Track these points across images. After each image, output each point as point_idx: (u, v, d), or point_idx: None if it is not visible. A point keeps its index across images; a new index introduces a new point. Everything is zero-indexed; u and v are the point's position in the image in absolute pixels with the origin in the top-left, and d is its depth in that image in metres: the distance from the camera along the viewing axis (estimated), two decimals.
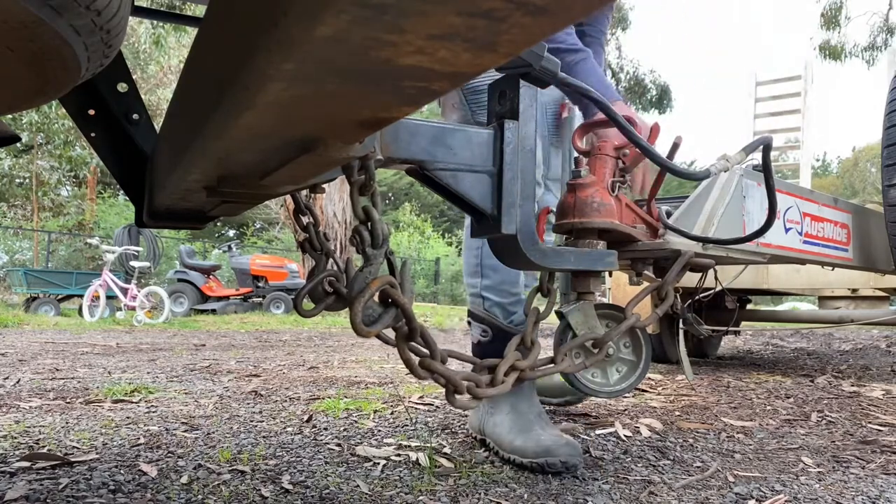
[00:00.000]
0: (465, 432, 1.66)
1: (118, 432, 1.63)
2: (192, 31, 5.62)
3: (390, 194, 25.07)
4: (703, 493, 1.20)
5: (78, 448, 1.47)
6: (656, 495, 1.19)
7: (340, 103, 0.49)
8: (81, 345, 4.33)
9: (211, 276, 10.18)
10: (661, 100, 16.12)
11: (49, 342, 4.49)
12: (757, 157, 1.35)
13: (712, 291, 2.67)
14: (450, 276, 18.89)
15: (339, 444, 1.53)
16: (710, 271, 1.57)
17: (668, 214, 1.37)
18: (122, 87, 1.13)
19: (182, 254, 10.27)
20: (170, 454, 1.42)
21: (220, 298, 9.86)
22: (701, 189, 1.56)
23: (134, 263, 8.08)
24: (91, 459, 1.36)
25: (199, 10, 1.87)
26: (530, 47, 0.40)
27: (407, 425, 1.75)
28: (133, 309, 7.53)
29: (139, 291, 7.63)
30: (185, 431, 1.65)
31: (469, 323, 1.61)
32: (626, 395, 2.18)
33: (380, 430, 1.68)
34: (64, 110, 1.98)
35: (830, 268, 2.37)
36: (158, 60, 12.64)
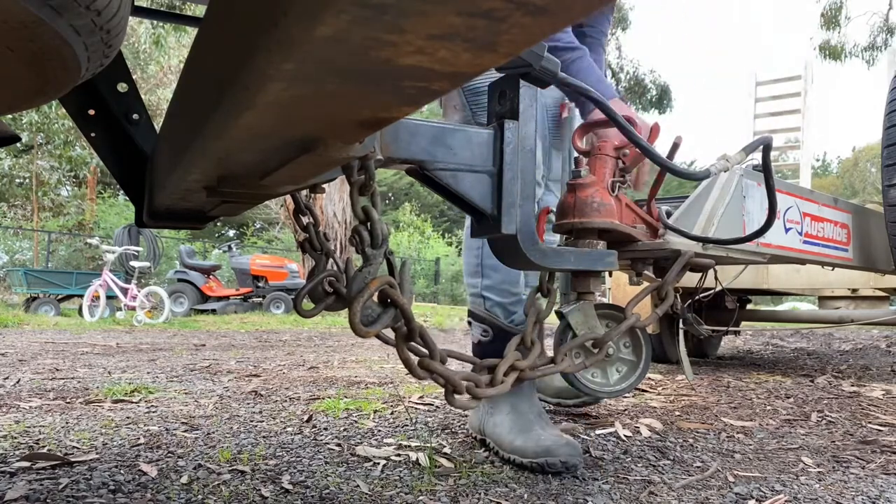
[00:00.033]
0: (465, 432, 1.66)
1: (118, 432, 1.63)
2: (192, 31, 5.63)
3: (390, 194, 25.07)
4: (703, 493, 1.20)
5: (78, 448, 1.47)
6: (656, 495, 1.19)
7: (340, 103, 0.49)
8: (81, 345, 4.34)
9: (211, 276, 10.18)
10: (661, 100, 16.12)
11: (49, 342, 4.49)
12: (757, 157, 1.35)
13: (712, 291, 2.67)
14: (450, 276, 18.89)
15: (339, 444, 1.53)
16: (710, 271, 1.57)
17: (668, 214, 1.37)
18: (122, 87, 1.13)
19: (182, 254, 10.27)
20: (170, 454, 1.42)
21: (220, 298, 9.86)
22: (701, 189, 1.56)
23: (134, 263, 8.08)
24: (91, 459, 1.36)
25: (199, 10, 1.87)
26: (530, 47, 0.40)
27: (407, 425, 1.75)
28: (133, 309, 7.53)
29: (139, 291, 7.63)
30: (185, 431, 1.65)
31: (469, 323, 1.61)
32: (626, 395, 2.18)
33: (380, 430, 1.68)
34: (64, 110, 1.98)
35: (830, 268, 2.37)
36: (158, 60, 12.64)
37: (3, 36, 0.60)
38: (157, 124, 1.05)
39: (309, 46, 0.36)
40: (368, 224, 0.78)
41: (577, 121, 1.61)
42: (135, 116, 1.15)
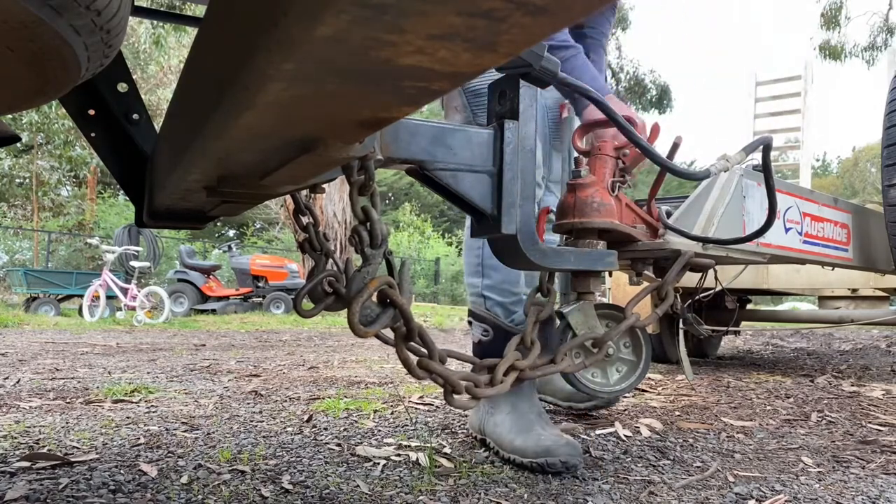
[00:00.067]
0: (465, 432, 1.66)
1: (118, 432, 1.63)
2: (192, 31, 5.63)
3: (390, 194, 25.07)
4: (703, 493, 1.20)
5: (78, 448, 1.47)
6: (656, 495, 1.19)
7: (340, 103, 0.49)
8: (81, 345, 4.34)
9: (211, 276, 10.18)
10: (661, 100, 16.12)
11: (49, 342, 4.49)
12: (757, 157, 1.36)
13: (712, 291, 2.67)
14: (450, 276, 18.89)
15: (339, 444, 1.53)
16: (710, 271, 1.57)
17: (668, 214, 1.37)
18: (122, 87, 1.13)
19: (182, 254, 10.27)
20: (170, 454, 1.42)
21: (220, 298, 9.87)
22: (701, 189, 1.56)
23: (134, 263, 8.08)
24: (91, 459, 1.36)
25: (199, 10, 1.87)
26: (530, 47, 0.41)
27: (407, 425, 1.75)
28: (133, 309, 7.53)
29: (139, 291, 7.63)
30: (185, 431, 1.65)
31: (470, 323, 1.61)
32: (626, 395, 2.18)
33: (380, 430, 1.68)
34: (64, 110, 1.98)
35: (830, 268, 2.37)
36: (158, 60, 12.64)
37: (3, 36, 0.60)
38: (157, 124, 1.05)
39: (309, 46, 0.36)
40: (368, 224, 0.78)
41: (577, 121, 1.61)
42: (135, 116, 1.15)
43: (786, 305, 10.70)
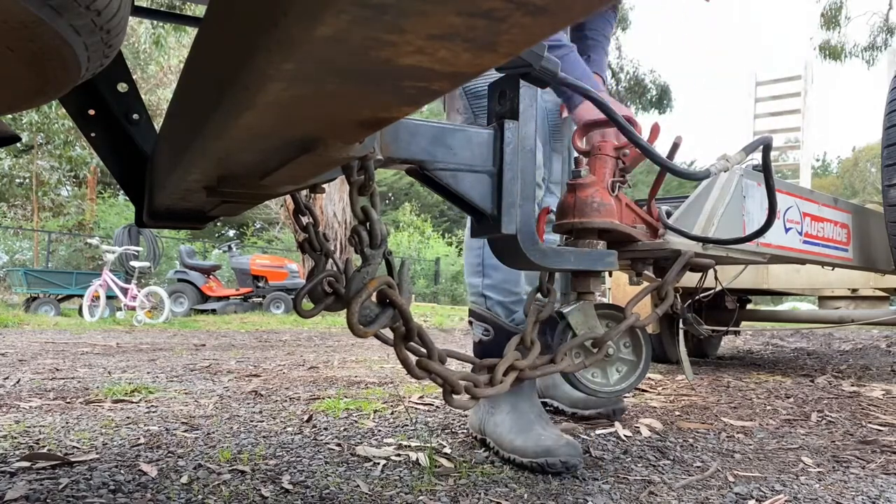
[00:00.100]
0: (465, 432, 1.66)
1: (118, 432, 1.63)
2: (192, 31, 5.63)
3: (390, 194, 25.07)
4: (703, 493, 1.20)
5: (78, 448, 1.47)
6: (656, 495, 1.19)
7: (340, 103, 0.49)
8: (81, 345, 4.34)
9: (211, 276, 10.18)
10: (661, 100, 16.11)
11: (49, 342, 4.49)
12: (757, 157, 1.35)
13: (712, 291, 2.67)
14: (450, 276, 18.89)
15: (339, 444, 1.53)
16: (710, 271, 1.57)
17: (668, 214, 1.37)
18: (122, 87, 1.13)
19: (182, 254, 10.27)
20: (170, 454, 1.42)
21: (220, 298, 9.87)
22: (701, 189, 1.56)
23: (134, 263, 8.09)
24: (91, 459, 1.36)
25: (199, 10, 1.87)
26: (530, 47, 0.41)
27: (407, 425, 1.75)
28: (133, 309, 7.54)
29: (139, 291, 7.63)
30: (185, 431, 1.65)
31: (470, 322, 1.61)
32: (627, 395, 2.18)
33: (380, 430, 1.68)
34: (64, 110, 1.98)
35: (830, 268, 2.37)
36: (158, 60, 12.64)
37: (3, 36, 0.60)
38: (157, 124, 1.05)
39: (309, 46, 0.36)
40: (367, 224, 0.78)
41: None
42: (135, 116, 1.15)
43: (786, 305, 10.70)
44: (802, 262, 2.12)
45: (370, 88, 0.45)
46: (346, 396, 2.21)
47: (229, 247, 10.97)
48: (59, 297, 9.12)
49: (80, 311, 8.10)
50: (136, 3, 1.18)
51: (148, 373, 2.85)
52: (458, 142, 0.93)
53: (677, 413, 2.00)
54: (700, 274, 1.53)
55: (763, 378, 2.86)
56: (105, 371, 2.90)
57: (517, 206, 0.96)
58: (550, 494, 1.18)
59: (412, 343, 0.86)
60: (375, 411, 1.94)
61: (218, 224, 20.72)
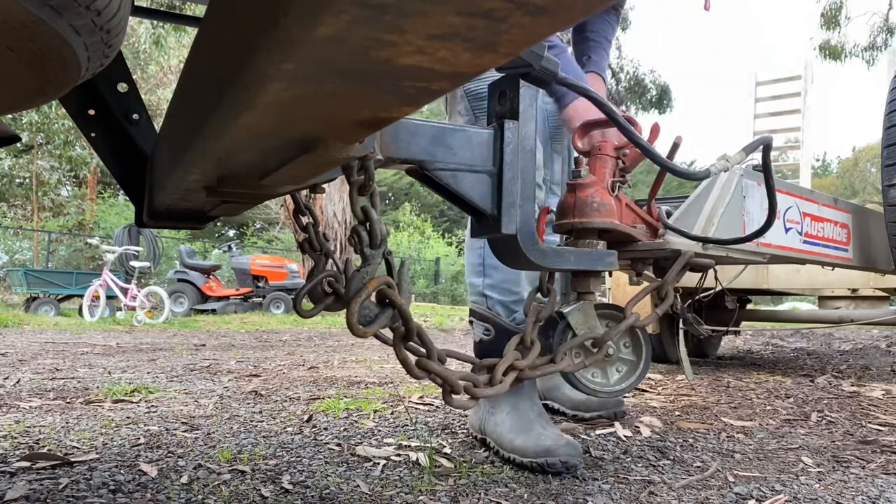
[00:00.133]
0: (466, 432, 1.66)
1: (118, 432, 1.63)
2: (192, 31, 5.63)
3: (390, 194, 25.07)
4: (703, 493, 1.20)
5: (78, 448, 1.47)
6: (656, 495, 1.19)
7: (340, 103, 0.49)
8: (81, 345, 4.34)
9: (211, 276, 10.18)
10: (661, 100, 16.11)
11: (49, 342, 4.49)
12: (757, 157, 1.35)
13: (712, 291, 2.67)
14: (450, 276, 18.89)
15: (339, 444, 1.53)
16: (710, 271, 1.57)
17: (668, 214, 1.37)
18: (122, 87, 1.13)
19: (182, 254, 10.27)
20: (170, 454, 1.42)
21: (220, 298, 9.87)
22: (701, 189, 1.56)
23: (134, 263, 8.09)
24: (91, 459, 1.36)
25: (199, 10, 1.87)
26: (530, 47, 0.41)
27: (407, 425, 1.75)
28: (133, 309, 7.54)
29: (139, 291, 7.63)
30: (185, 431, 1.65)
31: (471, 322, 1.61)
32: (627, 395, 2.18)
33: (380, 430, 1.68)
34: (64, 110, 1.98)
35: (830, 268, 2.37)
36: (158, 60, 12.64)
37: (3, 36, 0.60)
38: (157, 124, 1.05)
39: (309, 46, 0.36)
40: (367, 224, 0.78)
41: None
42: (135, 116, 1.15)
43: (786, 305, 10.70)
44: (802, 262, 2.12)
45: (370, 88, 0.45)
46: (346, 396, 2.21)
47: (229, 247, 10.97)
48: (59, 297, 9.12)
49: (80, 311, 8.10)
50: (136, 3, 1.18)
51: (148, 373, 2.85)
52: (458, 142, 0.93)
53: (677, 413, 2.00)
54: (700, 274, 1.53)
55: (763, 378, 2.86)
56: (105, 371, 2.90)
57: (517, 206, 0.96)
58: (550, 494, 1.18)
59: (412, 343, 0.86)
60: (375, 411, 1.94)
61: (218, 224, 20.73)
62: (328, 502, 1.12)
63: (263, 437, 1.60)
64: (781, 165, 8.95)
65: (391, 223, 21.30)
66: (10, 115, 6.73)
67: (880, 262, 2.41)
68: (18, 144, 4.93)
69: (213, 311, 9.40)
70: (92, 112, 1.12)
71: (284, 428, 1.70)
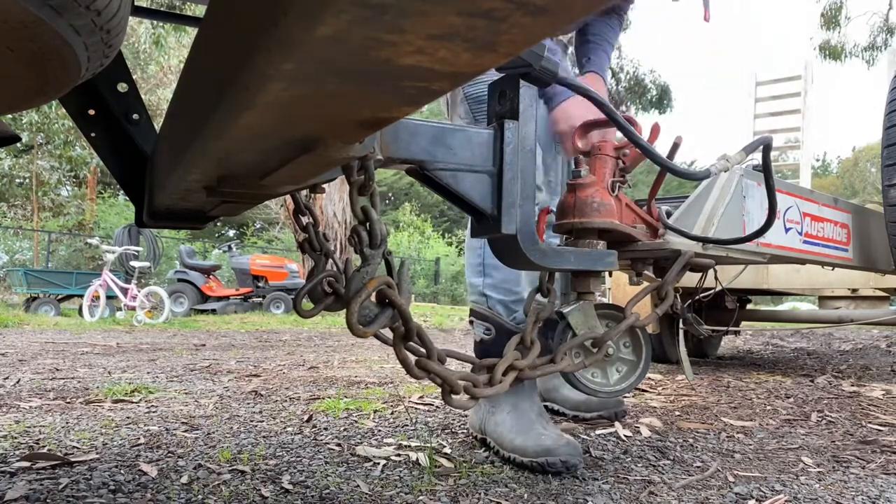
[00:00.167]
0: (466, 432, 1.66)
1: (118, 432, 1.63)
2: (192, 31, 5.63)
3: (390, 194, 25.07)
4: (703, 493, 1.20)
5: (78, 448, 1.47)
6: (656, 495, 1.19)
7: (340, 103, 0.49)
8: (81, 345, 4.34)
9: (211, 276, 10.18)
10: (661, 100, 16.11)
11: (49, 342, 4.49)
12: (757, 157, 1.35)
13: (712, 291, 2.67)
14: (450, 276, 18.89)
15: (339, 444, 1.53)
16: (710, 271, 1.57)
17: (668, 214, 1.37)
18: (122, 87, 1.13)
19: (182, 254, 10.27)
20: (170, 454, 1.42)
21: (220, 298, 9.87)
22: (701, 189, 1.56)
23: (134, 263, 8.09)
24: (91, 459, 1.36)
25: (199, 10, 1.87)
26: (530, 47, 0.41)
27: (407, 425, 1.75)
28: (133, 309, 7.54)
29: (139, 291, 7.63)
30: (185, 431, 1.65)
31: (471, 322, 1.61)
32: (627, 395, 2.18)
33: (380, 430, 1.68)
34: (64, 110, 1.98)
35: (830, 268, 2.37)
36: (158, 60, 12.64)
37: (3, 36, 0.60)
38: (157, 124, 1.05)
39: (309, 46, 0.36)
40: (367, 224, 0.78)
41: None
42: (135, 116, 1.15)
43: (786, 305, 10.70)
44: (802, 262, 2.12)
45: (370, 88, 0.45)
46: (346, 396, 2.21)
47: (229, 247, 10.97)
48: (59, 297, 9.13)
49: (80, 311, 8.10)
50: (136, 3, 1.18)
51: (148, 373, 2.85)
52: (458, 142, 0.93)
53: (677, 413, 2.00)
54: (700, 274, 1.53)
55: (763, 378, 2.86)
56: (105, 371, 2.90)
57: (517, 206, 0.96)
58: (550, 494, 1.18)
59: (411, 343, 0.86)
60: (375, 411, 1.94)
61: (218, 224, 20.73)
62: (328, 502, 1.12)
63: (263, 437, 1.60)
64: (781, 165, 8.96)
65: (391, 223, 21.30)
66: (10, 115, 6.73)
67: (880, 262, 2.41)
68: (18, 144, 4.93)
69: (213, 311, 9.40)
70: (92, 112, 1.12)
71: (284, 428, 1.70)
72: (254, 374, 2.85)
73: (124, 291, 7.68)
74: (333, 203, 9.66)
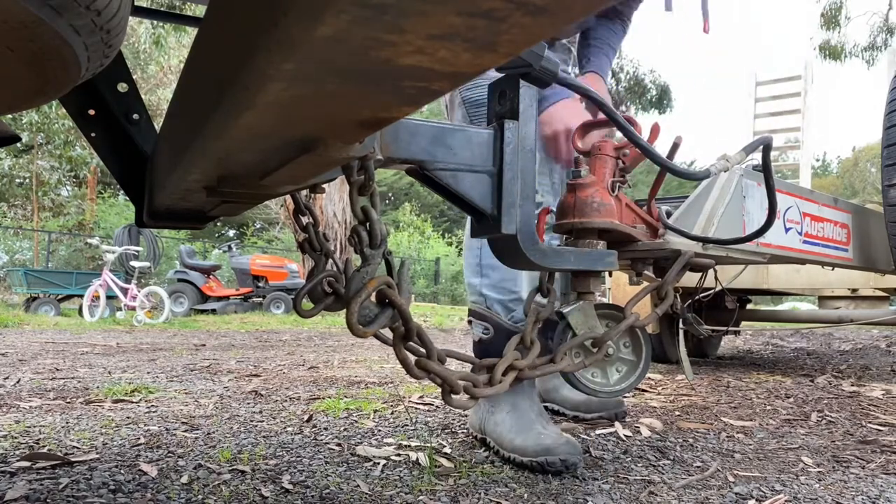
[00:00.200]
0: (466, 432, 1.66)
1: (118, 432, 1.63)
2: (192, 31, 5.62)
3: (390, 194, 25.07)
4: (703, 493, 1.20)
5: (78, 448, 1.47)
6: (656, 495, 1.19)
7: (340, 103, 0.49)
8: (81, 345, 4.34)
9: (211, 276, 10.18)
10: (661, 100, 16.12)
11: (49, 342, 4.49)
12: (757, 157, 1.35)
13: (712, 291, 2.67)
14: (450, 276, 18.89)
15: (339, 444, 1.53)
16: (710, 271, 1.57)
17: (668, 214, 1.37)
18: (122, 87, 1.13)
19: (182, 254, 10.27)
20: (170, 454, 1.42)
21: (220, 298, 9.87)
22: (701, 189, 1.56)
23: (134, 263, 8.09)
24: (91, 459, 1.36)
25: (199, 10, 1.87)
26: (530, 47, 0.41)
27: (407, 425, 1.75)
28: (133, 309, 7.54)
29: (139, 291, 7.63)
30: (186, 431, 1.65)
31: (470, 322, 1.61)
32: (627, 395, 2.18)
33: (380, 430, 1.68)
34: (64, 110, 1.98)
35: (830, 268, 2.37)
36: (158, 60, 12.64)
37: (3, 36, 0.60)
38: (157, 124, 1.05)
39: (309, 46, 0.36)
40: (367, 224, 0.78)
41: None
42: (135, 116, 1.15)
43: (786, 305, 10.70)
44: (802, 262, 2.12)
45: (370, 88, 0.45)
46: (346, 396, 2.21)
47: (229, 247, 10.97)
48: (59, 297, 9.13)
49: (80, 311, 8.10)
50: (136, 3, 1.18)
51: (148, 373, 2.85)
52: (458, 142, 0.93)
53: (677, 413, 2.00)
54: (700, 274, 1.53)
55: (763, 378, 2.86)
56: (105, 371, 2.90)
57: (517, 206, 0.96)
58: (550, 494, 1.18)
59: (411, 343, 0.86)
60: (375, 411, 1.94)
61: (218, 224, 20.73)
62: (328, 502, 1.12)
63: (263, 436, 1.60)
64: (781, 165, 8.96)
65: (391, 223, 21.30)
66: (10, 115, 6.73)
67: (880, 262, 2.41)
68: (18, 144, 4.93)
69: (213, 311, 9.40)
70: (92, 112, 1.12)
71: (284, 428, 1.71)
72: (254, 374, 2.85)
73: (124, 291, 7.68)
74: (333, 203, 9.66)
